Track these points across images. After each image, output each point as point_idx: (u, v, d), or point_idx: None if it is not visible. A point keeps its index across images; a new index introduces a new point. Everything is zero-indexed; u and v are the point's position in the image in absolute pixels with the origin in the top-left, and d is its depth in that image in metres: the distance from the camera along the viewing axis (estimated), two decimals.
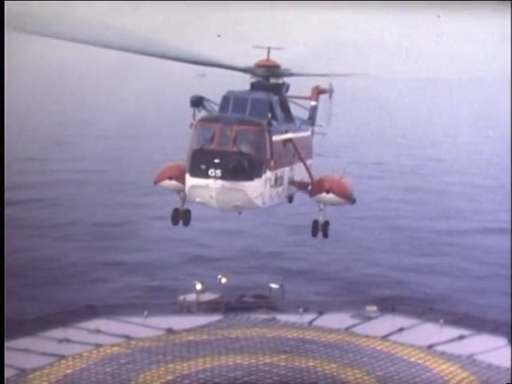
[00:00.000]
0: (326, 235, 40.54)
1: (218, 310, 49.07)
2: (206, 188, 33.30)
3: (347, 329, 46.68)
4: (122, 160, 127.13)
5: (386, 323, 47.00)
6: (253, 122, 35.21)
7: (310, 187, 39.54)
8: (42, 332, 44.22)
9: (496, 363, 41.45)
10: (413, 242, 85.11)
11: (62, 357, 41.53)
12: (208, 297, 50.74)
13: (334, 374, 40.17)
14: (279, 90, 40.11)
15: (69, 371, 39.93)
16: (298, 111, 44.60)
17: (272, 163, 35.54)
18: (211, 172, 33.06)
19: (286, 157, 38.10)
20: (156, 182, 38.71)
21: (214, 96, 38.36)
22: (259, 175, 34.41)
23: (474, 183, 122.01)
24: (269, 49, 40.19)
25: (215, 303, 49.99)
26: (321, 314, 48.58)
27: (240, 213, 36.93)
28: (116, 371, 40.01)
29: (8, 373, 38.62)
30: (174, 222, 37.90)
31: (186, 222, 38.34)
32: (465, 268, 76.96)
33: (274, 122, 36.71)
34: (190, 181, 34.04)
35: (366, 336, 45.48)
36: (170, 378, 39.19)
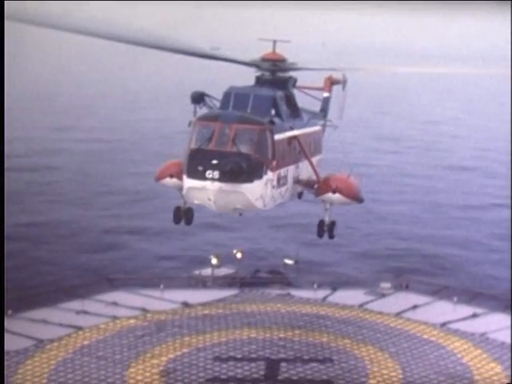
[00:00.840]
0: (331, 236, 39.35)
1: (234, 285, 49.41)
2: (204, 190, 31.86)
3: (361, 305, 46.84)
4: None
5: (399, 300, 47.08)
6: (253, 120, 33.67)
7: (315, 186, 38.07)
8: (60, 303, 44.70)
9: (509, 341, 41.55)
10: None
11: (80, 328, 41.96)
12: (223, 271, 51.11)
13: (348, 349, 40.38)
14: (285, 84, 38.72)
15: (86, 342, 40.32)
16: (310, 103, 43.62)
17: (274, 163, 34.04)
18: (209, 173, 31.58)
19: (291, 155, 36.63)
20: (157, 179, 37.53)
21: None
22: (260, 177, 32.97)
23: (489, 158, 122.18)
24: (274, 42, 38.79)
25: (230, 278, 50.32)
26: (335, 290, 48.71)
27: (241, 214, 35.48)
28: (132, 343, 40.41)
29: (26, 343, 39.58)
30: (176, 220, 36.24)
31: (188, 221, 36.74)
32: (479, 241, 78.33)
33: (277, 119, 35.16)
34: (187, 182, 32.60)
35: (380, 313, 45.58)
36: (185, 350, 39.55)
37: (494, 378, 38.06)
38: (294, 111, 38.62)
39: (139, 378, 36.78)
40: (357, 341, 41.39)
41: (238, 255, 51.02)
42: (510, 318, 44.85)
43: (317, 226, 39.52)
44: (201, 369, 37.63)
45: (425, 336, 42.51)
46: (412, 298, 47.39)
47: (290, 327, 42.70)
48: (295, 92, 40.58)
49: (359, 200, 38.67)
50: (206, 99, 37.32)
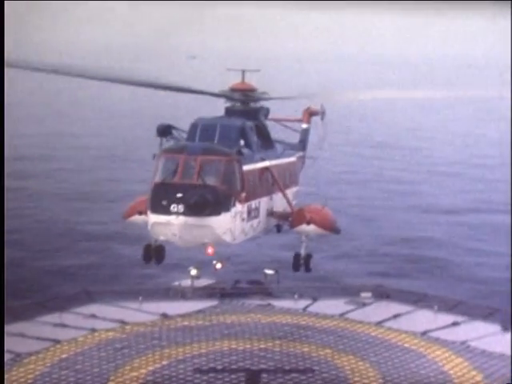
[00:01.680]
0: (308, 269, 38.95)
1: (213, 296, 49.16)
2: (169, 225, 30.85)
3: (342, 315, 46.59)
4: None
5: (380, 309, 47.06)
6: (219, 151, 32.96)
7: (290, 218, 37.48)
8: (37, 317, 44.18)
9: (490, 349, 41.65)
10: None
11: (58, 341, 41.40)
12: (203, 282, 50.90)
13: (329, 359, 40.10)
14: (256, 114, 38.13)
15: (64, 355, 39.69)
16: (291, 135, 43.41)
17: (243, 195, 33.13)
18: (173, 207, 30.70)
19: (263, 187, 35.86)
20: (126, 217, 36.68)
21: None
22: (227, 209, 32.02)
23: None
24: (243, 72, 38.29)
25: (210, 289, 50.10)
26: (315, 300, 48.52)
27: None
28: (111, 356, 39.85)
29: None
30: (146, 259, 34.74)
31: (159, 260, 35.27)
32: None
33: (246, 150, 34.36)
34: (152, 217, 31.63)
35: (361, 322, 45.36)
36: (165, 362, 39.08)
37: None
38: (266, 142, 37.84)
39: None
40: (338, 350, 41.15)
41: (218, 266, 50.87)
42: (489, 325, 45.03)
43: (292, 259, 39.16)
44: (181, 381, 37.16)
45: (406, 345, 42.40)
46: (393, 307, 47.41)
47: (271, 338, 42.50)
48: (271, 123, 40.17)
49: (335, 231, 38.17)
50: (173, 131, 36.67)
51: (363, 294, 49.11)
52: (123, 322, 44.60)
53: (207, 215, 31.01)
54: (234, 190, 32.51)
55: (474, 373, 39.31)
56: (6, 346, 37.97)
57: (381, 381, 38.04)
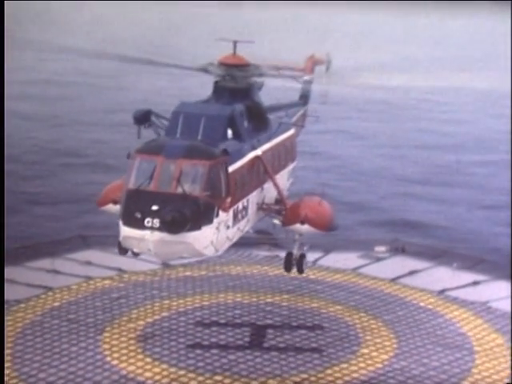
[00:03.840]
0: (301, 270, 37.06)
1: None
2: (142, 240, 28.13)
3: (354, 269, 45.72)
4: None
5: (395, 265, 45.94)
6: (203, 153, 29.66)
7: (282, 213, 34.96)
8: (28, 262, 43.37)
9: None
10: None
11: (50, 289, 40.79)
12: None
13: (339, 316, 39.41)
14: (248, 92, 35.41)
15: (56, 304, 39.16)
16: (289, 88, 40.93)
17: (228, 201, 30.41)
18: (148, 221, 27.80)
19: (253, 180, 33.33)
20: (99, 204, 34.23)
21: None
22: (209, 221, 29.19)
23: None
24: (235, 42, 35.20)
25: None
26: (327, 252, 47.46)
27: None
28: (107, 306, 39.28)
29: None
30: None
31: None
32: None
33: (234, 144, 31.69)
34: (123, 230, 28.80)
35: (374, 278, 44.49)
36: (164, 314, 38.51)
37: (496, 349, 36.79)
38: (260, 123, 35.26)
39: (114, 342, 35.66)
40: (349, 307, 40.48)
41: None
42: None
43: (284, 259, 37.38)
44: (181, 334, 36.71)
45: (422, 304, 41.44)
46: (409, 263, 46.29)
47: (278, 291, 41.69)
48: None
49: (332, 229, 35.65)
50: (153, 118, 33.77)
51: (378, 248, 48.16)
52: (121, 270, 43.71)
53: (186, 231, 28.24)
54: (217, 197, 29.69)
55: (494, 335, 38.18)
56: None
57: (394, 340, 37.15)
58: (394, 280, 44.41)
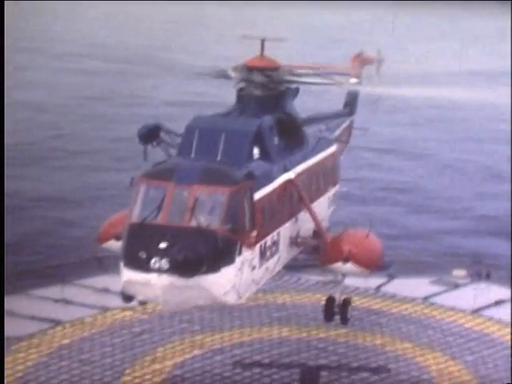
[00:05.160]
0: (345, 320, 35.87)
1: None
2: (148, 285, 26.61)
3: (426, 298, 44.67)
4: None
5: (478, 293, 44.56)
6: (222, 177, 28.23)
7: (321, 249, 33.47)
8: (32, 289, 42.85)
9: None
10: None
11: (58, 322, 40.29)
12: None
13: (409, 355, 38.52)
14: (280, 101, 33.88)
15: (65, 341, 38.73)
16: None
17: (253, 235, 28.68)
18: (154, 262, 26.18)
19: (284, 209, 31.70)
20: (100, 241, 33.24)
21: None
22: (230, 261, 27.42)
23: None
24: (263, 41, 33.48)
25: None
26: (392, 277, 46.20)
27: None
28: (127, 342, 38.92)
29: None
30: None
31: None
32: None
33: (260, 166, 30.13)
34: (125, 274, 27.25)
35: (452, 309, 43.32)
36: (196, 352, 37.98)
37: None
38: (294, 139, 33.71)
39: None
40: (421, 345, 39.55)
41: None
42: None
43: (324, 306, 36.07)
44: (217, 377, 36.26)
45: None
46: (494, 291, 44.94)
47: (334, 325, 39.75)
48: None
49: (381, 268, 34.13)
50: (163, 135, 32.51)
51: (456, 272, 47.12)
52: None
53: (202, 274, 26.59)
54: (240, 231, 28.08)
55: None
56: None
57: None
58: (476, 312, 43.18)
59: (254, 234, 28.76)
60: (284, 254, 32.45)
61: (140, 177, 28.44)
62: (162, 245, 26.11)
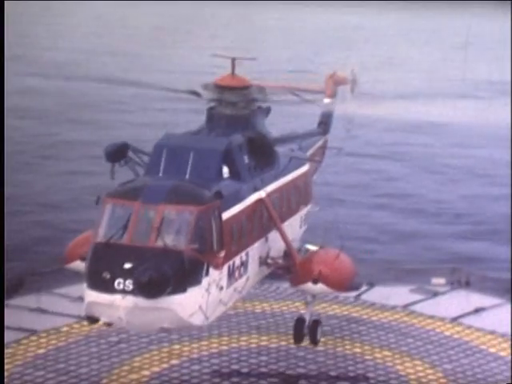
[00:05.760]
0: (314, 341, 35.49)
1: None
2: (112, 307, 26.07)
3: (406, 306, 44.54)
4: None
5: (457, 301, 44.80)
6: (190, 196, 27.93)
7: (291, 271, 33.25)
8: (6, 299, 41.47)
9: None
10: None
11: (33, 332, 39.86)
12: None
13: (388, 364, 38.38)
14: (250, 120, 33.79)
15: (41, 351, 38.31)
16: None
17: (221, 256, 28.41)
18: (118, 283, 25.68)
19: (254, 229, 31.47)
20: (65, 262, 32.71)
21: None
22: (197, 281, 27.19)
23: None
24: (233, 60, 33.28)
25: None
26: (371, 285, 46.21)
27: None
28: (105, 352, 38.38)
29: None
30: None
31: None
32: None
33: (229, 185, 29.95)
34: (88, 294, 26.64)
35: (432, 317, 43.24)
36: (174, 362, 37.74)
37: None
38: (264, 158, 33.49)
39: None
40: (400, 353, 39.36)
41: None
42: None
43: (293, 326, 35.76)
44: None
45: (491, 350, 39.86)
46: (474, 299, 45.06)
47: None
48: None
49: (351, 289, 34.22)
50: (130, 154, 32.21)
51: (435, 280, 47.12)
52: None
53: (167, 295, 26.13)
54: (208, 252, 27.77)
55: None
56: None
57: None
58: (455, 320, 43.10)
59: (222, 254, 28.47)
60: (253, 275, 32.15)
61: (106, 196, 28.06)
62: (127, 265, 25.72)
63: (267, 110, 35.63)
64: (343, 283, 32.93)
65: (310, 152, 40.09)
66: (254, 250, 31.86)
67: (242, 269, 30.77)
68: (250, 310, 43.28)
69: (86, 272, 26.91)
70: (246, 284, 31.50)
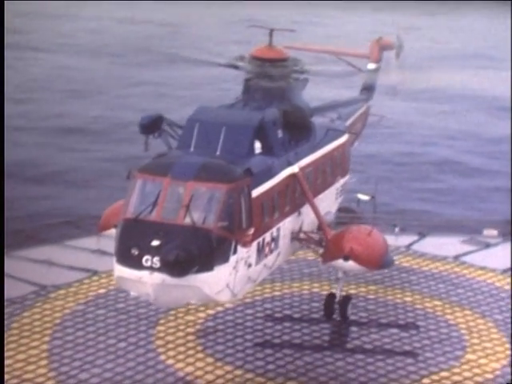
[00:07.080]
0: (344, 317, 35.45)
1: None
2: (140, 283, 26.35)
3: (456, 257, 44.49)
4: None
5: (508, 252, 44.20)
6: (220, 173, 27.62)
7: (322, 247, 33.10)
8: (69, 240, 43.09)
9: None
10: None
11: (95, 272, 40.54)
12: None
13: (438, 313, 38.29)
14: (287, 93, 33.35)
15: (102, 290, 38.80)
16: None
17: (250, 233, 28.15)
18: (146, 260, 25.82)
19: (286, 204, 31.19)
20: (100, 229, 32.99)
21: None
22: (225, 259, 27.20)
23: None
24: (271, 31, 33.02)
25: None
26: (422, 236, 46.41)
27: None
28: None
29: (24, 289, 38.13)
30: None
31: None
32: None
33: (262, 160, 29.58)
34: (117, 269, 27.03)
35: (483, 268, 43.18)
36: (228, 306, 37.51)
37: None
38: (300, 131, 33.07)
39: (170, 338, 34.94)
40: (450, 303, 39.31)
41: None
42: None
43: (324, 302, 35.90)
44: (248, 330, 36.02)
45: None
46: None
47: (364, 282, 40.75)
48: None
49: (383, 266, 33.85)
50: (165, 126, 32.00)
51: (487, 232, 47.08)
52: None
53: (194, 273, 26.25)
54: (236, 230, 27.65)
55: None
56: (28, 276, 37.31)
57: (507, 346, 35.50)
58: (506, 271, 42.84)
59: (251, 231, 28.42)
60: (285, 250, 32.19)
61: (137, 170, 28.15)
62: (155, 242, 25.84)
63: (305, 82, 35.15)
64: (374, 261, 32.83)
65: (350, 121, 39.62)
66: (286, 225, 31.78)
67: (272, 245, 30.68)
68: (302, 257, 42.93)
69: (114, 248, 27.26)
70: (276, 259, 31.54)
